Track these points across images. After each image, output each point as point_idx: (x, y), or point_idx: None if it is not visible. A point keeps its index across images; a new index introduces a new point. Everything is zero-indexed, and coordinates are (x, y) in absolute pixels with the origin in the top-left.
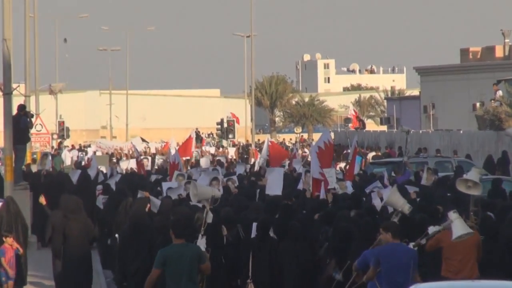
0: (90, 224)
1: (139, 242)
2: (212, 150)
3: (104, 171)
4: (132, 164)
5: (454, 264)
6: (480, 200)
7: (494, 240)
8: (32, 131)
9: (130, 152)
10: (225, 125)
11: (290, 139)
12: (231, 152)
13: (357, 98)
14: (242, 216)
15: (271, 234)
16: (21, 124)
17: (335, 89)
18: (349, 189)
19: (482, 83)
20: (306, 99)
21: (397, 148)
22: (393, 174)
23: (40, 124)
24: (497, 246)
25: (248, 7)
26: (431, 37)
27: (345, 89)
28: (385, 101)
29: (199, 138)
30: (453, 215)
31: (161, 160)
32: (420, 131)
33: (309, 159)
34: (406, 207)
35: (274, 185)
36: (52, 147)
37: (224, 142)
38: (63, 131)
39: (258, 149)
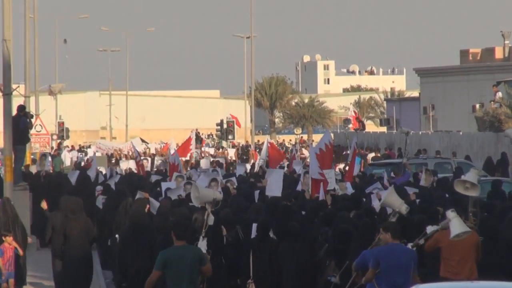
0: (91, 224)
1: (139, 243)
2: (212, 151)
3: (103, 172)
4: (131, 164)
5: (453, 265)
6: (478, 201)
7: (494, 240)
8: (32, 131)
9: (130, 153)
10: (225, 126)
11: (290, 140)
12: (231, 153)
13: (357, 99)
14: (242, 217)
15: (271, 235)
16: (20, 124)
17: (335, 90)
18: (349, 190)
19: (482, 85)
20: (306, 100)
21: (397, 149)
22: (392, 174)
23: (39, 124)
24: (497, 247)
25: (248, 8)
26: (431, 38)
27: (345, 90)
28: (384, 102)
29: (199, 139)
30: (451, 214)
31: (160, 161)
32: (420, 133)
33: (307, 160)
34: (403, 208)
35: (274, 186)
36: (52, 148)
37: (224, 143)
38: (62, 132)
39: (257, 150)
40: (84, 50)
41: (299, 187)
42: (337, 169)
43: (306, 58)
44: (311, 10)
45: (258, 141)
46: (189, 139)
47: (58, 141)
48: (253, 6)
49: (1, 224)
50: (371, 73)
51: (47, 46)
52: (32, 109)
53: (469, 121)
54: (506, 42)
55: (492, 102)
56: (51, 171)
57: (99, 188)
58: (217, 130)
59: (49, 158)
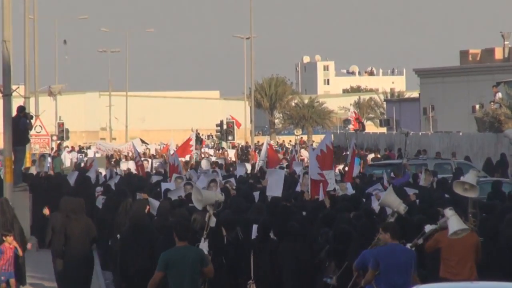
0: (92, 224)
1: (139, 243)
2: (211, 152)
3: (103, 173)
4: (130, 165)
5: (452, 265)
6: (478, 202)
7: (494, 241)
8: (32, 132)
9: (130, 154)
10: (225, 126)
11: (290, 141)
12: (231, 154)
13: (357, 100)
14: (242, 218)
15: (271, 235)
16: (20, 125)
17: (335, 91)
18: (350, 191)
19: (482, 85)
20: (306, 101)
21: (397, 150)
22: (392, 175)
23: (39, 125)
24: (497, 247)
25: (248, 9)
26: (430, 39)
27: (345, 91)
28: (384, 103)
29: (199, 140)
30: (449, 212)
31: (158, 163)
32: (420, 133)
33: (306, 161)
34: (401, 207)
35: (274, 186)
36: (52, 149)
37: (224, 144)
38: (62, 133)
39: (257, 151)
40: (83, 51)
41: (298, 188)
42: (336, 170)
43: (306, 59)
44: (310, 10)
45: (258, 142)
46: (189, 139)
47: (58, 142)
48: (253, 7)
49: (0, 224)
50: (371, 73)
51: (47, 47)
52: (32, 110)
53: (469, 122)
54: (506, 42)
55: (492, 103)
56: (51, 172)
57: (99, 189)
58: (217, 131)
59: (49, 159)
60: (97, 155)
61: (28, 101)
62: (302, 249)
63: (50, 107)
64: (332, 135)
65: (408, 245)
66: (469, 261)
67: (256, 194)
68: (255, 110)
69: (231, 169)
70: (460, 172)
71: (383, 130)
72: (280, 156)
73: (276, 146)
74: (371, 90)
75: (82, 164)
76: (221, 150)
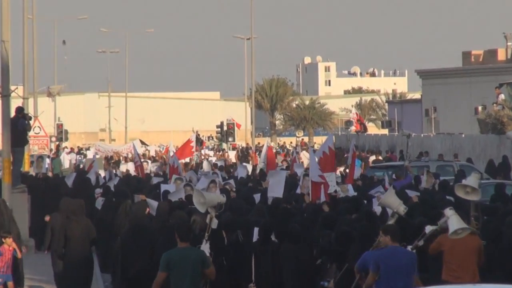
0: (91, 226)
1: (139, 245)
2: (211, 153)
3: (102, 175)
4: (130, 167)
5: (454, 268)
6: (480, 205)
7: (497, 243)
8: (31, 133)
9: (129, 155)
10: (225, 128)
11: (291, 142)
12: (231, 155)
13: (358, 101)
14: (242, 220)
15: (273, 238)
16: (19, 126)
17: (336, 92)
18: (351, 192)
19: (484, 87)
20: (307, 102)
21: (399, 152)
22: (394, 177)
23: (38, 126)
24: (500, 249)
25: (249, 9)
26: (433, 40)
27: (346, 92)
28: (386, 104)
29: (199, 141)
30: (449, 212)
31: (155, 166)
32: (422, 135)
33: (306, 163)
34: (401, 208)
35: (275, 187)
36: (51, 150)
37: (224, 145)
38: (61, 134)
39: (257, 153)
40: (83, 52)
41: (298, 190)
42: (337, 172)
43: (307, 60)
44: (312, 11)
45: (259, 143)
46: (190, 141)
47: (57, 143)
48: (254, 7)
49: None
50: (373, 74)
51: (46, 47)
52: (30, 111)
53: (471, 124)
54: (509, 43)
55: (494, 104)
56: (49, 174)
57: (98, 190)
58: (217, 132)
59: (48, 160)
60: (96, 156)
61: (27, 101)
62: (302, 251)
63: (49, 108)
64: (334, 137)
65: (409, 247)
66: (471, 264)
67: (257, 196)
68: (255, 111)
69: (231, 170)
70: (463, 174)
71: (385, 131)
72: (280, 158)
73: (277, 148)
74: (372, 91)
75: (81, 166)
76: (221, 151)
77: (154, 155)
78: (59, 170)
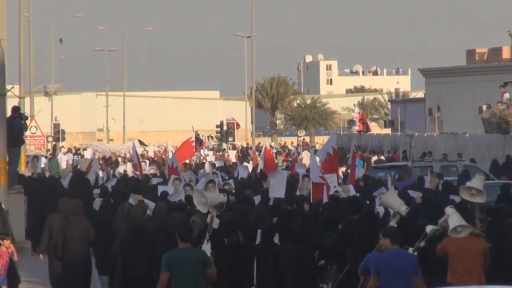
0: (90, 227)
1: (139, 247)
2: (210, 154)
3: (100, 175)
4: (127, 167)
5: (459, 272)
6: (485, 207)
7: (501, 244)
8: (27, 133)
9: (128, 155)
10: (225, 127)
11: (292, 142)
12: (231, 155)
13: (360, 100)
14: (242, 221)
15: (276, 240)
16: (15, 126)
17: (338, 91)
18: (352, 193)
19: (489, 85)
20: (308, 101)
21: (402, 152)
22: (396, 177)
23: (35, 126)
24: (504, 250)
25: (249, 7)
26: (436, 38)
27: (348, 91)
28: (389, 103)
29: (198, 141)
30: (449, 210)
31: (152, 170)
32: (425, 135)
33: (304, 162)
34: (402, 208)
35: (277, 188)
36: (48, 150)
37: (224, 145)
38: (58, 134)
39: (258, 153)
40: (80, 50)
41: (298, 192)
42: (340, 172)
43: (308, 58)
44: (313, 8)
45: (259, 143)
46: (190, 141)
47: (54, 143)
48: (254, 5)
49: None
50: (375, 73)
51: (43, 45)
52: (27, 111)
53: (475, 123)
54: None
55: (499, 104)
56: (46, 174)
57: (96, 191)
58: (217, 132)
59: (44, 160)
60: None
61: (23, 101)
62: (304, 251)
63: (46, 108)
64: (335, 137)
65: (410, 249)
66: (476, 268)
67: (257, 198)
68: (256, 110)
69: (231, 170)
70: (467, 174)
71: (388, 131)
72: (281, 158)
73: (278, 148)
74: (375, 90)
75: (79, 166)
76: (221, 151)
77: (153, 156)
78: (56, 171)
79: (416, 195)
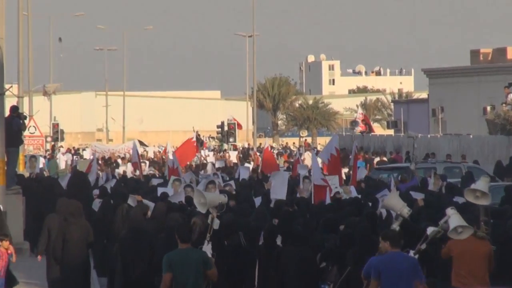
0: (90, 228)
1: (139, 248)
2: (210, 154)
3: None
4: (128, 168)
5: (463, 275)
6: (490, 210)
7: (506, 246)
8: (25, 133)
9: (127, 156)
10: (226, 128)
11: (294, 143)
12: (232, 156)
13: (363, 101)
14: (243, 222)
15: (278, 242)
16: (13, 126)
17: (340, 91)
18: (354, 194)
19: (493, 86)
20: (310, 102)
21: (405, 153)
22: (399, 178)
23: (33, 126)
24: (509, 252)
25: (250, 5)
26: (440, 38)
27: (351, 92)
28: (392, 104)
29: (199, 141)
30: (450, 211)
31: (151, 171)
32: (429, 136)
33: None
34: (405, 210)
35: (278, 189)
36: (46, 151)
37: (225, 146)
38: (57, 134)
39: (259, 154)
40: (79, 49)
41: (298, 194)
42: (343, 174)
43: (311, 58)
44: (315, 8)
45: (260, 144)
46: (192, 142)
47: (52, 143)
48: (256, 4)
49: None
50: (378, 73)
51: (42, 44)
52: (25, 110)
53: (479, 124)
54: None
55: (503, 104)
56: (45, 174)
57: (95, 191)
58: (217, 133)
59: (42, 159)
60: (91, 157)
61: (22, 100)
62: (305, 252)
63: (45, 107)
64: (338, 137)
65: (411, 252)
66: (480, 271)
67: (257, 200)
68: (257, 111)
69: (232, 171)
70: (471, 176)
71: (391, 132)
72: (282, 159)
73: (279, 149)
74: (378, 91)
75: (78, 167)
76: (222, 152)
77: (153, 156)
78: (55, 171)
79: (418, 197)
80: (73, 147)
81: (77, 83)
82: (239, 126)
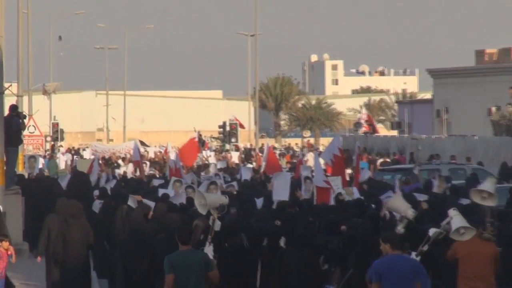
0: (90, 229)
1: (139, 250)
2: (212, 155)
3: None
4: (129, 168)
5: (469, 277)
6: (496, 211)
7: (511, 248)
8: (25, 133)
9: (128, 156)
10: (228, 128)
11: (296, 143)
12: (234, 157)
13: (367, 101)
14: (245, 224)
15: (281, 243)
16: (13, 125)
17: (344, 91)
18: (356, 195)
19: (498, 87)
20: (313, 102)
21: (408, 154)
22: (403, 180)
23: (33, 125)
24: None
25: (253, 4)
26: (445, 37)
27: (354, 92)
28: (396, 104)
29: (201, 142)
30: (452, 212)
31: (152, 171)
32: (433, 137)
33: (309, 164)
34: (409, 212)
35: (280, 190)
36: (46, 150)
37: (227, 146)
38: (57, 133)
39: (261, 154)
40: (80, 48)
41: (300, 194)
42: (346, 175)
43: (314, 58)
44: (318, 7)
45: (262, 144)
46: (194, 143)
47: (52, 143)
48: (258, 3)
49: None
50: (382, 73)
51: (41, 43)
52: (25, 109)
53: (484, 125)
54: None
55: (508, 105)
56: (45, 174)
57: (96, 192)
58: (219, 133)
59: (41, 160)
60: (92, 157)
61: (21, 99)
62: (308, 254)
63: (44, 106)
64: (341, 138)
65: (413, 254)
66: (486, 273)
67: (259, 201)
68: (259, 111)
69: (234, 172)
70: (475, 177)
71: (394, 133)
72: (285, 160)
73: (282, 149)
74: (381, 91)
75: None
76: (224, 152)
77: (153, 157)
78: (55, 171)
79: (422, 198)
80: (73, 147)
81: (77, 82)
82: (242, 126)
